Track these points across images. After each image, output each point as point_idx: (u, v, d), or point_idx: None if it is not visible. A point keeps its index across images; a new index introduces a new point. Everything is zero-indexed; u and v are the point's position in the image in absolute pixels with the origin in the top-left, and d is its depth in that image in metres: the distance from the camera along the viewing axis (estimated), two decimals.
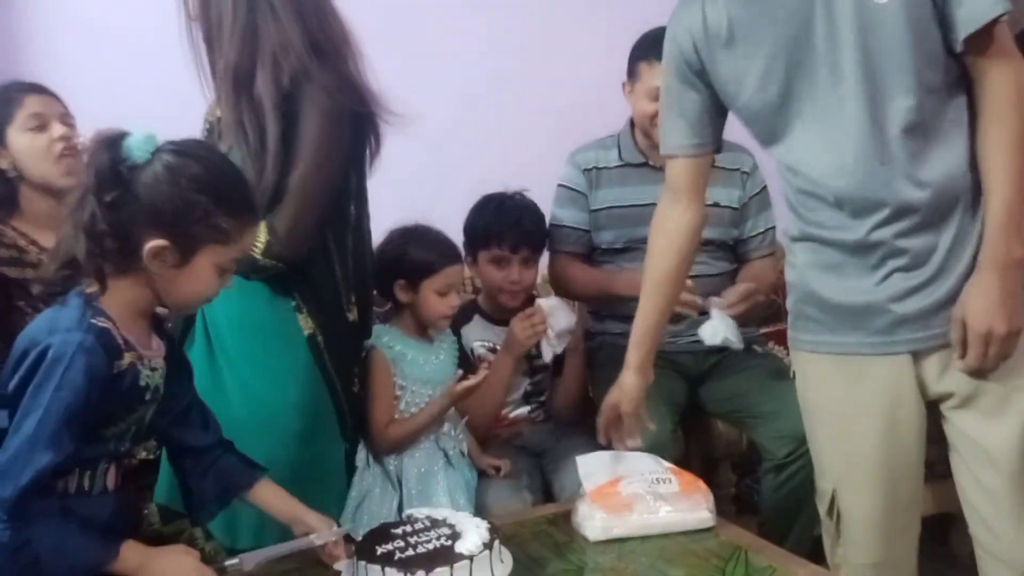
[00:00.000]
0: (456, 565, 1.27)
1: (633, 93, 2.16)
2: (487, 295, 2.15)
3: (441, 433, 1.88)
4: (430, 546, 1.33)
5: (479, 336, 2.09)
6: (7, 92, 1.75)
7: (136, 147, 1.18)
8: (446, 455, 1.86)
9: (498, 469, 1.94)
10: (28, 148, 1.71)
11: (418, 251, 1.87)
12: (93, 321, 1.18)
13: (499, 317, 2.11)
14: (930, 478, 2.33)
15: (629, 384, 1.64)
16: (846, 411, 1.48)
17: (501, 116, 2.55)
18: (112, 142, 1.18)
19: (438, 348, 1.94)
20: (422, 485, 1.80)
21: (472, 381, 1.80)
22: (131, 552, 1.21)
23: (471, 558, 1.29)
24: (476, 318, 2.12)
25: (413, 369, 1.86)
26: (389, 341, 1.86)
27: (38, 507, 1.12)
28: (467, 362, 1.99)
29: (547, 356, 2.03)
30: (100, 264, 1.18)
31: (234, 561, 1.30)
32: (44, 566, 1.12)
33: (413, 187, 2.42)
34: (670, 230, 1.64)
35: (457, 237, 2.34)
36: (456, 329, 2.03)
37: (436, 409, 1.83)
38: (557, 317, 2.00)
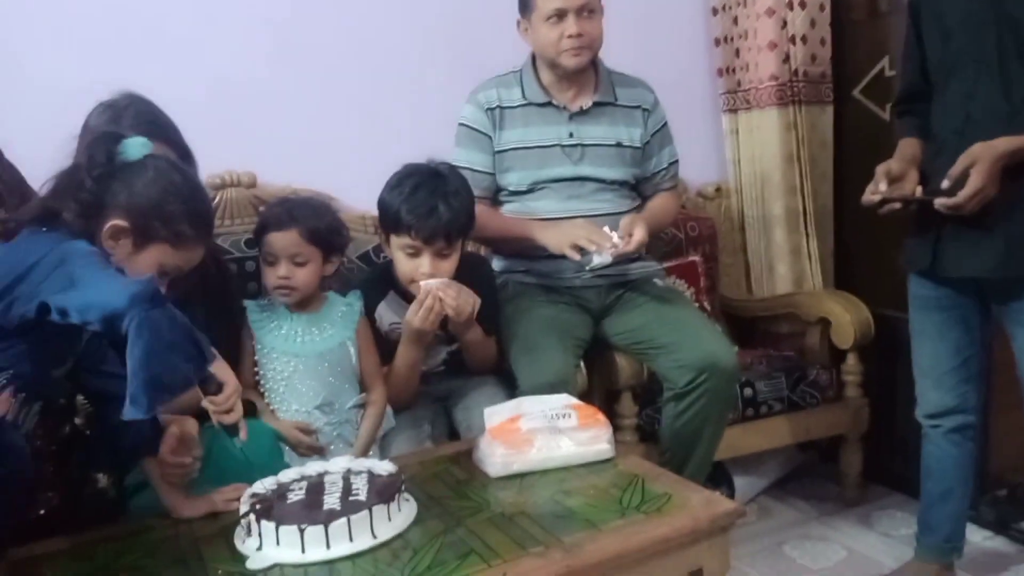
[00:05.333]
0: (354, 516, 1.27)
1: (531, 26, 2.11)
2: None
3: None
4: (332, 498, 1.33)
5: (393, 317, 1.92)
6: None
7: (132, 147, 1.32)
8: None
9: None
10: None
11: (260, 216, 1.81)
12: None
13: (413, 296, 1.89)
14: (823, 403, 2.48)
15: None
16: None
17: (395, 50, 2.46)
18: (112, 138, 1.33)
19: (318, 321, 1.83)
20: None
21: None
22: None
23: (370, 508, 1.29)
24: (391, 295, 1.95)
25: (270, 337, 1.79)
26: (256, 305, 1.83)
27: None
28: (383, 342, 1.91)
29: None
30: (86, 224, 1.26)
31: None
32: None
33: (305, 124, 2.35)
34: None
35: (335, 175, 2.28)
36: (370, 306, 1.92)
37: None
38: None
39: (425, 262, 1.83)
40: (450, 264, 1.87)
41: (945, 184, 1.66)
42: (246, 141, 2.23)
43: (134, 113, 1.62)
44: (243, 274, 2.07)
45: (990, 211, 1.66)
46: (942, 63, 1.78)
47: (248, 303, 1.82)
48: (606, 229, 1.98)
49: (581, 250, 1.97)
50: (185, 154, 1.71)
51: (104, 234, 1.27)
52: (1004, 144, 1.62)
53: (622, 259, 2.02)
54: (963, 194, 1.63)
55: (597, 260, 1.95)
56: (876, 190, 1.77)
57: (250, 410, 1.75)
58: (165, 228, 1.30)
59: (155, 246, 1.31)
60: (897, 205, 1.77)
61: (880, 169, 1.79)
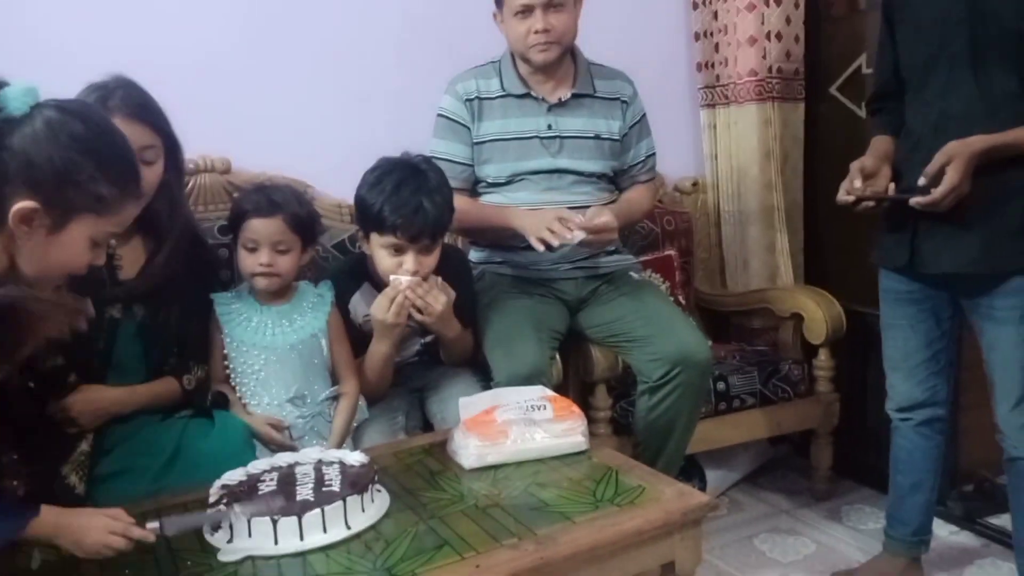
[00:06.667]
0: (328, 507, 1.26)
1: (503, 20, 2.10)
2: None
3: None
4: (305, 489, 1.32)
5: (367, 309, 1.86)
6: None
7: (14, 98, 1.07)
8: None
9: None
10: None
11: (237, 201, 1.78)
12: None
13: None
14: (794, 398, 2.50)
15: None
16: None
17: (375, 37, 2.43)
18: None
19: (288, 313, 1.80)
20: None
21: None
22: (46, 515, 1.16)
23: (344, 498, 1.28)
24: (366, 286, 1.92)
25: (240, 331, 1.77)
26: (223, 298, 1.79)
27: None
28: (356, 333, 1.88)
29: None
30: None
31: (154, 525, 1.23)
32: None
33: (282, 110, 2.32)
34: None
35: (312, 163, 2.28)
36: (344, 297, 1.90)
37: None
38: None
39: (409, 259, 1.80)
40: (433, 259, 1.84)
41: (921, 182, 1.68)
42: (221, 126, 2.20)
43: (123, 95, 1.57)
44: None
45: (966, 207, 1.67)
46: (917, 61, 1.80)
47: (215, 296, 1.79)
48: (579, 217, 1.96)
49: (547, 244, 1.94)
50: (173, 144, 1.67)
51: (12, 220, 1.05)
52: (979, 142, 1.64)
53: (594, 247, 2.01)
54: (939, 191, 1.64)
55: (565, 238, 1.93)
56: (851, 188, 1.78)
57: (222, 403, 1.73)
58: (82, 197, 1.09)
59: (78, 220, 1.10)
60: (871, 203, 1.78)
61: (854, 166, 1.80)
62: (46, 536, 1.18)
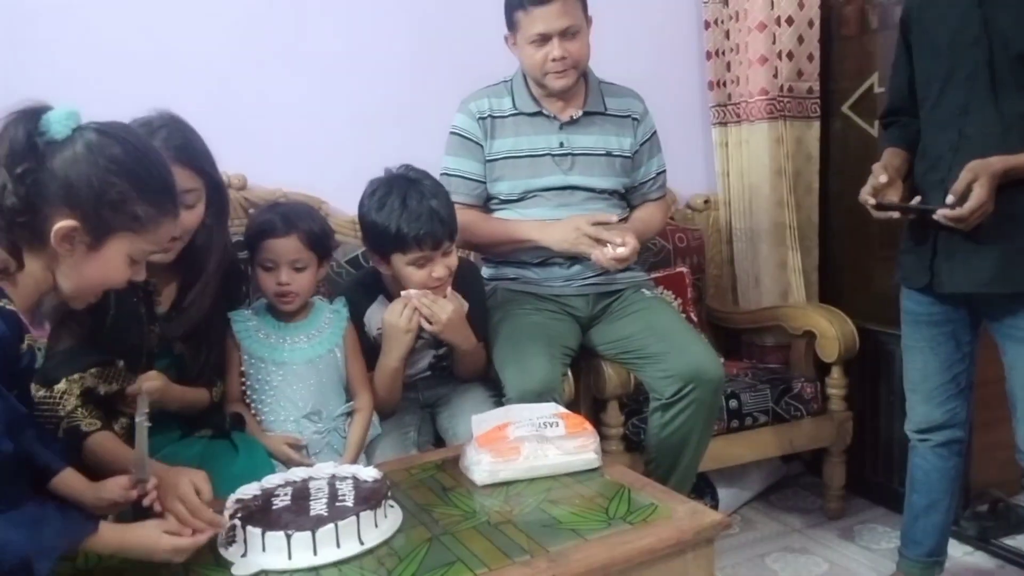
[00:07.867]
0: (341, 522, 1.26)
1: (517, 45, 2.12)
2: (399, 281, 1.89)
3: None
4: (318, 504, 1.32)
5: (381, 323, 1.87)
6: None
7: (56, 122, 1.12)
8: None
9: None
10: None
11: (252, 221, 1.79)
12: (1, 304, 1.10)
13: None
14: (807, 416, 2.49)
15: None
16: None
17: (388, 55, 2.46)
18: (30, 115, 1.12)
19: (305, 329, 1.82)
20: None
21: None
22: (105, 533, 1.16)
23: (357, 514, 1.28)
24: (380, 298, 1.93)
25: (257, 347, 1.77)
26: (241, 316, 1.79)
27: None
28: (370, 347, 1.88)
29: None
30: (14, 240, 1.12)
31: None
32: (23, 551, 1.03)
33: (297, 127, 2.35)
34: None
35: (326, 179, 2.31)
36: (358, 312, 1.91)
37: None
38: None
39: (439, 267, 1.82)
40: (454, 258, 1.87)
41: (950, 199, 1.66)
42: (237, 143, 2.20)
43: (166, 135, 1.54)
44: None
45: (983, 227, 1.67)
46: (932, 80, 1.80)
47: (232, 314, 1.79)
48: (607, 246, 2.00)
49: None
50: (215, 186, 1.65)
51: (55, 239, 1.11)
52: (999, 163, 1.64)
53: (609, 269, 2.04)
54: (968, 207, 1.63)
55: (609, 252, 1.98)
56: (877, 184, 1.78)
57: (239, 424, 1.74)
58: (119, 216, 1.14)
59: (115, 239, 1.15)
60: (895, 214, 1.78)
61: (877, 166, 1.80)
62: (109, 554, 1.19)
